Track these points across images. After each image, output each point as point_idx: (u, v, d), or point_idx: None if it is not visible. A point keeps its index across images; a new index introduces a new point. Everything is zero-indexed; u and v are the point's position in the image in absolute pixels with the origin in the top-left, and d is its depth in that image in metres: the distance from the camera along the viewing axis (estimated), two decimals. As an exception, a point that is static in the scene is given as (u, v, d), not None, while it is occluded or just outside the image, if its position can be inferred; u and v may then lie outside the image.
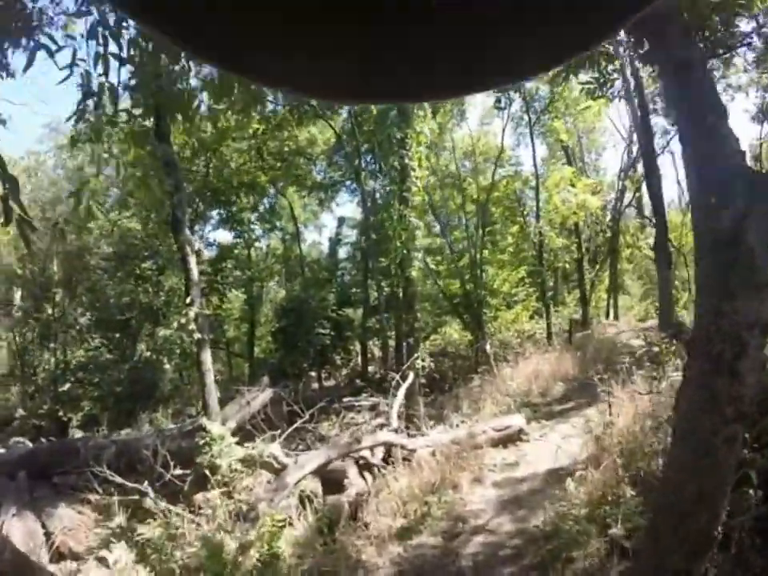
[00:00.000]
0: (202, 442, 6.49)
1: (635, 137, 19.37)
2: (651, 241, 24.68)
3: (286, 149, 16.94)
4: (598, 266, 21.17)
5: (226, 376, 19.57)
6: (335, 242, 21.23)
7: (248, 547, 4.82)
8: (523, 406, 10.46)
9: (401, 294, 12.69)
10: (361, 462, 7.22)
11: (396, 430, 7.97)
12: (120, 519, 6.31)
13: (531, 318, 19.05)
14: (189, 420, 8.86)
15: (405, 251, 10.77)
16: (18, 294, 17.93)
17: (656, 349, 10.76)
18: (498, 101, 16.34)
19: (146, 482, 6.41)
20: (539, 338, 17.49)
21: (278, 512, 5.48)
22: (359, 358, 19.06)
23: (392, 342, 16.99)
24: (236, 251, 18.41)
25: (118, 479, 6.42)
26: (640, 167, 20.73)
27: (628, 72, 8.73)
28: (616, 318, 21.79)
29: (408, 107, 10.08)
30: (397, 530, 5.67)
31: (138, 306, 15.69)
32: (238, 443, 7.11)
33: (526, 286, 19.64)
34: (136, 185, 14.13)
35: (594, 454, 6.79)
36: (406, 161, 10.32)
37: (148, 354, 15.85)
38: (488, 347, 14.80)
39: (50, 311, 16.66)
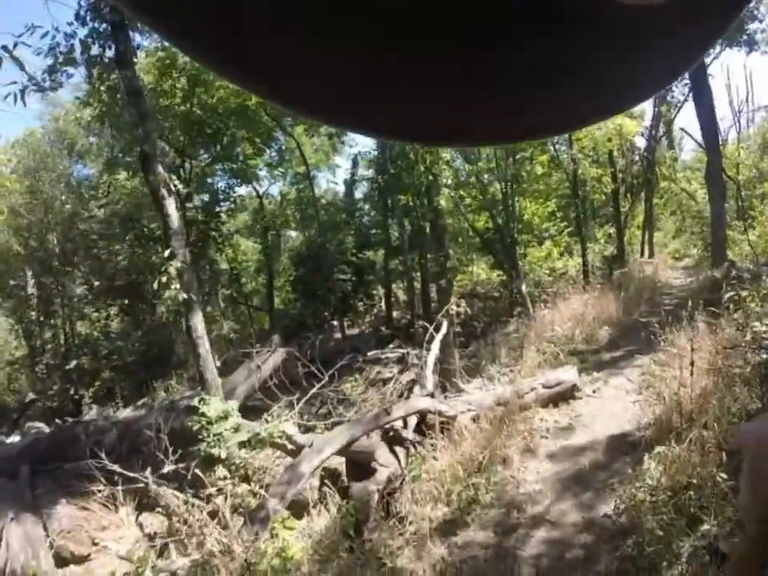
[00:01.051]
0: (197, 427, 5.53)
1: None
2: (685, 173, 23.19)
3: None
4: (632, 200, 19.56)
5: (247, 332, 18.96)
6: (351, 182, 19.89)
7: (258, 559, 3.93)
8: (569, 354, 9.39)
9: (427, 230, 11.43)
10: (391, 433, 6.27)
11: (432, 394, 6.91)
12: (126, 510, 5.62)
13: (561, 255, 17.83)
14: (189, 393, 8.03)
15: (431, 177, 9.36)
16: (29, 274, 17.06)
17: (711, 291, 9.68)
18: None
19: (149, 469, 5.63)
20: (573, 276, 16.29)
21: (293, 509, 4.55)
22: (383, 304, 18.09)
23: (417, 285, 16.03)
24: (235, 194, 17.00)
25: (118, 469, 5.65)
26: (676, 91, 18.85)
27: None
28: (651, 255, 20.40)
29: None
30: (438, 523, 4.75)
31: (149, 268, 14.75)
32: (245, 417, 6.22)
33: (557, 220, 18.33)
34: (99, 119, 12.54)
35: (662, 418, 5.78)
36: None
37: (162, 317, 15.08)
38: (524, 287, 13.64)
39: (51, 285, 15.86)
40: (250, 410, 7.50)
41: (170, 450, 5.71)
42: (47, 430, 9.26)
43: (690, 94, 17.54)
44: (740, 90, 20.48)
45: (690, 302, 7.44)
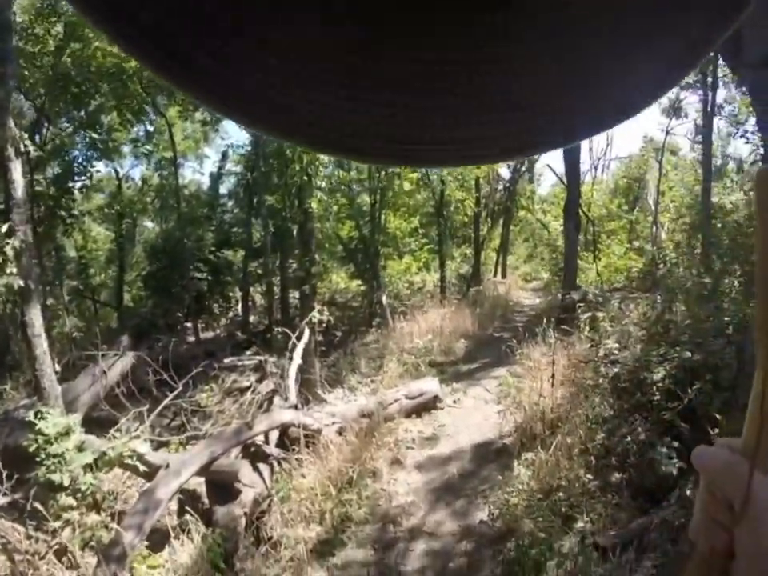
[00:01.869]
0: (33, 447, 4.42)
1: None
2: (541, 206, 25.94)
3: None
4: (491, 224, 21.13)
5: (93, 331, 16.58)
6: (217, 175, 18.62)
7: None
8: (428, 365, 9.51)
9: (294, 233, 10.95)
10: (252, 449, 5.66)
11: (296, 406, 6.43)
12: None
13: (420, 270, 18.51)
14: (25, 403, 6.60)
15: (305, 177, 8.93)
16: None
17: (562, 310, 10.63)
18: None
19: None
20: (431, 291, 16.91)
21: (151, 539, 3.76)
22: (239, 307, 17.05)
23: (277, 290, 15.37)
24: (93, 169, 14.77)
25: None
26: None
27: None
28: (504, 276, 22.10)
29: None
30: (314, 544, 4.30)
31: None
32: (89, 431, 5.17)
33: (419, 237, 19.03)
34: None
35: (524, 426, 5.99)
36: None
37: None
38: (384, 298, 13.71)
39: None
40: (95, 423, 6.33)
41: (5, 473, 4.51)
42: None
43: None
44: (601, 141, 23.67)
45: (544, 320, 7.98)
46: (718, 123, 18.38)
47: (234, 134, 22.91)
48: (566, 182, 13.77)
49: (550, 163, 45.06)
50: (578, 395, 5.95)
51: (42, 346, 5.36)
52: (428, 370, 9.16)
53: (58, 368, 5.77)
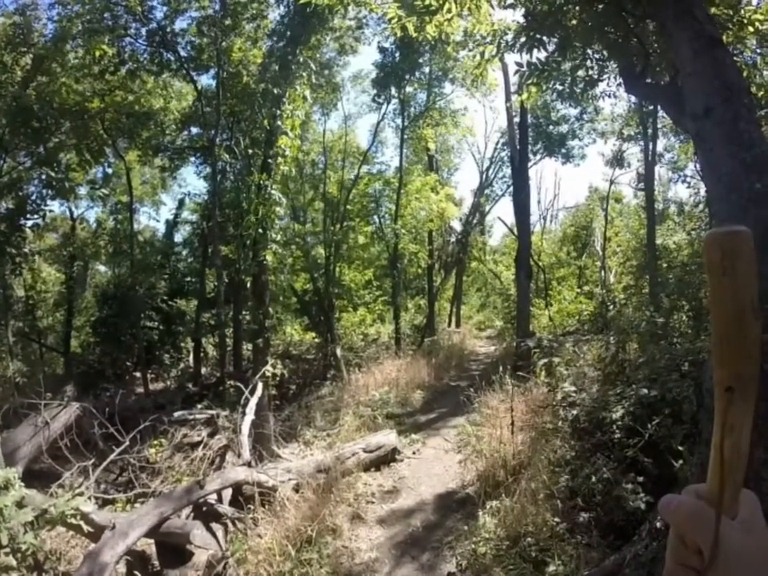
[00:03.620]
0: None
1: (505, 155, 20.43)
2: (493, 256, 26.88)
3: (137, 106, 13.76)
4: (444, 275, 21.59)
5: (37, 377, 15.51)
6: (173, 222, 18.37)
7: None
8: (386, 417, 9.35)
9: (249, 285, 10.80)
10: (204, 509, 5.31)
11: (249, 463, 6.14)
12: None
13: (374, 321, 18.54)
14: None
15: (261, 230, 8.91)
16: None
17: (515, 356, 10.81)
18: (378, 95, 15.75)
19: None
20: (386, 342, 16.89)
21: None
22: (191, 358, 16.45)
23: (229, 341, 14.96)
24: (47, 207, 14.21)
25: None
26: (496, 186, 22.29)
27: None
28: (458, 325, 22.41)
29: (291, 64, 8.53)
30: (272, 608, 3.99)
31: None
32: (29, 486, 4.72)
33: (373, 289, 19.17)
34: None
35: (486, 474, 5.91)
36: (278, 122, 8.54)
37: None
38: (338, 351, 13.58)
39: None
40: (36, 477, 5.82)
41: None
42: None
43: (508, 191, 20.61)
44: (549, 192, 25.09)
45: (500, 367, 8.06)
46: (659, 170, 19.92)
47: (192, 183, 22.75)
48: (516, 233, 14.32)
49: (501, 215, 47.06)
50: (538, 440, 5.94)
51: None
52: (385, 422, 8.99)
53: None
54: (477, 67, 5.48)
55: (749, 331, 0.53)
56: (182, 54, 12.80)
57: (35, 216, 13.16)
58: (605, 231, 20.07)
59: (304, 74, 8.84)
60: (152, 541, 4.74)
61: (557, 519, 4.25)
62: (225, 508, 5.48)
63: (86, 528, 4.31)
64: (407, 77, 15.20)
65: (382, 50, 14.81)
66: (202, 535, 4.68)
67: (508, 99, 13.26)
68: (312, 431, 8.91)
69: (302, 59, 8.78)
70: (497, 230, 34.53)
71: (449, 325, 22.17)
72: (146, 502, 5.36)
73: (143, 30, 12.31)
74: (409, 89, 16.36)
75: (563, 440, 5.57)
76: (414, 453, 7.79)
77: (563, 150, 19.02)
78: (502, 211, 49.06)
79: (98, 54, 11.73)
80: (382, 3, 5.11)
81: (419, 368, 12.56)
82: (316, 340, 16.09)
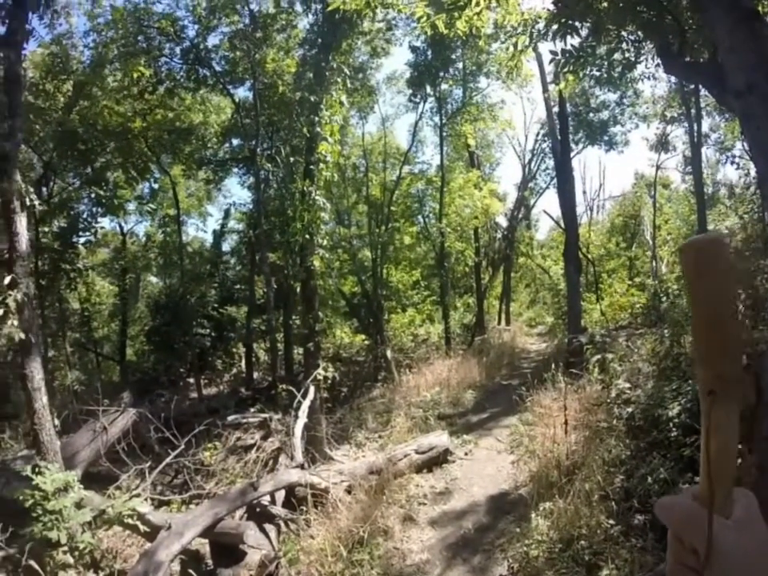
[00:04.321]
0: (30, 502, 4.27)
1: (546, 146, 19.98)
2: (541, 251, 26.28)
3: (177, 123, 14.37)
4: (492, 273, 21.28)
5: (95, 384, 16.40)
6: (220, 233, 18.99)
7: None
8: (437, 418, 9.30)
9: (298, 290, 10.98)
10: (258, 510, 5.44)
11: (302, 465, 6.24)
12: None
13: (424, 322, 18.47)
14: (23, 454, 6.45)
15: (307, 236, 9.04)
16: None
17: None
18: (414, 95, 15.76)
19: None
20: (435, 342, 16.79)
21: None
22: (243, 363, 16.92)
23: (280, 346, 15.27)
24: (98, 224, 14.98)
25: None
26: (540, 179, 21.85)
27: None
28: (508, 323, 22.01)
29: (325, 70, 8.63)
30: (323, 608, 4.05)
31: None
32: (88, 488, 4.99)
33: (421, 289, 19.12)
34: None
35: (539, 475, 5.76)
36: (317, 129, 8.65)
37: None
38: (388, 352, 13.59)
39: None
40: (94, 479, 6.17)
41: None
42: None
43: (552, 183, 20.13)
44: (594, 182, 24.42)
45: (552, 365, 7.86)
46: (706, 152, 19.00)
47: (236, 193, 23.57)
48: (563, 226, 13.94)
49: (546, 208, 45.91)
50: (592, 439, 5.75)
51: (41, 399, 5.23)
52: (437, 423, 8.96)
53: (57, 422, 5.62)
54: (511, 59, 5.38)
55: (727, 334, 0.54)
56: (217, 68, 13.22)
57: (87, 233, 13.95)
58: (654, 219, 19.27)
59: (339, 80, 8.91)
60: (206, 540, 4.91)
61: (611, 521, 4.10)
62: (278, 509, 5.61)
63: (142, 528, 4.51)
64: (441, 74, 15.07)
65: (413, 49, 14.75)
66: (256, 535, 4.81)
67: (545, 89, 12.90)
68: (364, 433, 8.98)
69: (335, 65, 8.85)
70: (543, 223, 33.78)
71: (498, 323, 21.84)
72: (200, 503, 5.55)
73: (177, 49, 12.79)
74: (444, 86, 16.20)
75: (618, 439, 5.37)
76: (466, 454, 7.71)
77: (605, 138, 18.47)
78: (548, 204, 48.00)
79: (135, 75, 12.29)
80: (409, 3, 5.09)
81: (470, 367, 12.43)
82: (366, 342, 16.17)
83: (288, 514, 5.55)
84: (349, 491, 5.96)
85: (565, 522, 4.41)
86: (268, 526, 5.17)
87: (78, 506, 4.48)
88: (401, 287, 18.31)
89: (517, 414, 8.39)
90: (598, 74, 5.11)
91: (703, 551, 0.51)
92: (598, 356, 7.05)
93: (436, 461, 7.18)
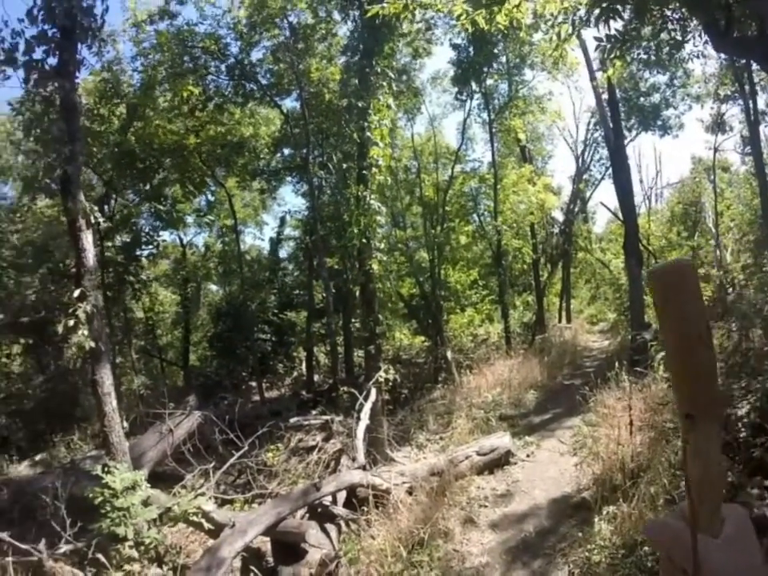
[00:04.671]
0: (99, 499, 4.62)
1: (598, 135, 19.32)
2: (599, 244, 25.31)
3: (229, 137, 15.00)
4: (551, 269, 20.78)
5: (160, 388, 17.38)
6: (276, 240, 19.60)
7: None
8: (498, 419, 9.19)
9: (357, 293, 11.15)
10: (319, 510, 5.61)
11: (364, 467, 6.36)
12: None
13: (483, 321, 18.24)
14: (92, 454, 6.96)
15: (364, 240, 9.19)
16: None
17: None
18: (460, 92, 15.66)
19: (43, 541, 4.73)
20: (495, 342, 16.55)
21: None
22: (303, 367, 17.36)
23: (340, 349, 15.53)
24: (159, 238, 15.76)
25: (7, 538, 4.72)
26: (594, 170, 21.12)
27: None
28: (569, 320, 21.40)
29: (369, 75, 8.78)
30: (382, 608, 4.13)
31: (60, 307, 13.24)
32: (154, 486, 5.33)
33: (479, 288, 18.90)
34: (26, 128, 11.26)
35: (603, 478, 5.59)
36: (367, 134, 8.81)
37: (68, 363, 13.48)
38: (449, 353, 13.53)
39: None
40: (160, 479, 6.58)
41: (69, 521, 4.80)
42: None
43: (607, 173, 19.42)
44: (650, 169, 23.26)
45: (615, 363, 7.59)
46: (765, 130, 17.70)
47: (290, 201, 24.26)
48: (621, 217, 13.41)
49: (603, 200, 44.11)
50: (658, 440, 5.52)
51: (111, 403, 5.63)
52: (499, 424, 8.86)
53: (126, 424, 6.04)
54: (555, 49, 5.27)
55: (699, 358, 0.55)
56: (263, 82, 13.66)
57: (149, 246, 14.77)
58: (715, 205, 18.11)
59: (384, 84, 9.03)
60: (267, 539, 5.11)
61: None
62: (339, 509, 5.74)
63: (206, 525, 4.77)
64: (485, 69, 14.80)
65: (455, 47, 14.55)
66: (317, 535, 4.95)
67: (592, 77, 12.45)
68: (425, 435, 8.99)
69: (379, 69, 8.97)
70: (600, 216, 32.46)
71: (559, 320, 21.26)
72: (262, 503, 5.78)
73: (223, 67, 13.31)
74: (489, 81, 15.94)
75: (685, 440, 5.12)
76: (527, 455, 7.59)
77: (659, 122, 17.56)
78: (604, 196, 46.10)
79: (185, 94, 12.87)
80: (447, 1, 5.08)
81: (531, 367, 12.20)
82: (425, 344, 16.19)
83: (349, 514, 5.68)
84: (410, 492, 6.00)
85: (629, 526, 4.28)
86: (329, 526, 5.30)
87: (145, 503, 4.80)
88: (459, 287, 18.16)
89: (580, 414, 8.16)
90: (645, 56, 4.93)
91: (691, 572, 0.52)
92: (663, 352, 6.73)
93: (497, 462, 7.11)
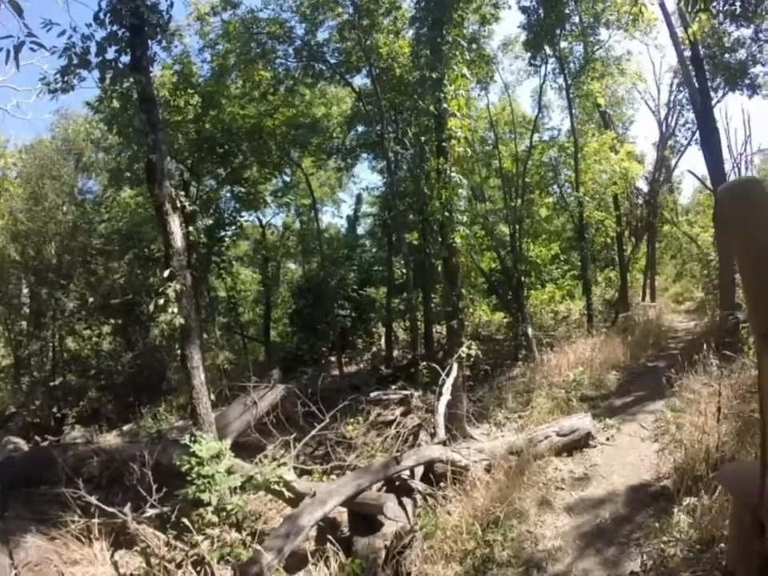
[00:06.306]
0: (186, 467, 5.07)
1: (682, 97, 17.88)
2: (686, 217, 23.45)
3: (301, 118, 15.37)
4: (634, 243, 19.71)
5: (242, 363, 18.55)
6: (354, 217, 19.99)
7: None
8: (579, 400, 9.07)
9: (439, 268, 11.16)
10: (397, 483, 5.87)
11: (444, 442, 6.54)
12: (101, 545, 5.20)
13: (564, 298, 17.72)
14: (178, 424, 7.62)
15: (446, 214, 9.15)
16: (24, 282, 16.27)
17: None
18: (533, 57, 15.00)
19: (129, 504, 5.29)
20: (576, 320, 16.09)
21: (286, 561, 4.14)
22: (382, 342, 17.78)
23: (420, 325, 15.73)
24: (241, 219, 16.55)
25: (95, 501, 5.27)
26: (680, 135, 19.59)
27: None
28: (653, 298, 20.34)
29: (441, 46, 8.64)
30: (454, 584, 4.37)
31: (145, 289, 14.50)
32: (237, 455, 5.83)
33: (561, 263, 18.31)
34: (107, 123, 11.87)
35: (684, 467, 5.45)
36: (444, 105, 8.70)
37: (155, 341, 14.72)
38: (530, 330, 13.35)
39: (45, 297, 14.92)
40: (242, 448, 7.07)
41: (155, 487, 5.33)
42: (25, 447, 8.82)
43: (694, 138, 17.99)
44: (738, 134, 21.04)
45: (703, 345, 7.24)
46: None
47: (366, 178, 24.53)
48: (710, 187, 12.40)
49: (690, 168, 40.58)
50: (746, 431, 5.29)
51: (199, 377, 6.12)
52: (579, 405, 8.73)
53: (212, 397, 6.52)
54: (633, 4, 4.97)
55: None
56: (332, 61, 13.78)
57: (232, 227, 15.55)
58: None
59: (457, 53, 8.83)
60: (344, 509, 5.43)
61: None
62: (417, 484, 5.95)
63: (287, 494, 5.13)
64: (558, 31, 13.90)
65: (524, 9, 13.78)
66: (394, 508, 5.18)
67: (672, 34, 11.42)
68: (504, 412, 8.98)
69: (450, 39, 8.76)
70: (686, 185, 29.86)
71: (643, 298, 20.21)
72: (341, 475, 6.11)
73: (290, 49, 13.57)
74: (563, 44, 14.99)
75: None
76: (607, 439, 7.44)
77: (747, 81, 15.65)
78: (691, 163, 42.33)
79: (257, 79, 13.23)
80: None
81: (614, 347, 11.82)
82: (505, 320, 16.03)
83: (426, 489, 5.86)
84: (488, 470, 6.06)
85: (708, 520, 4.21)
86: (405, 500, 5.51)
87: (229, 471, 5.22)
88: (539, 262, 17.70)
89: (663, 398, 7.85)
90: (730, 7, 4.52)
91: (756, 501, 0.50)
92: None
93: (577, 444, 7.03)
